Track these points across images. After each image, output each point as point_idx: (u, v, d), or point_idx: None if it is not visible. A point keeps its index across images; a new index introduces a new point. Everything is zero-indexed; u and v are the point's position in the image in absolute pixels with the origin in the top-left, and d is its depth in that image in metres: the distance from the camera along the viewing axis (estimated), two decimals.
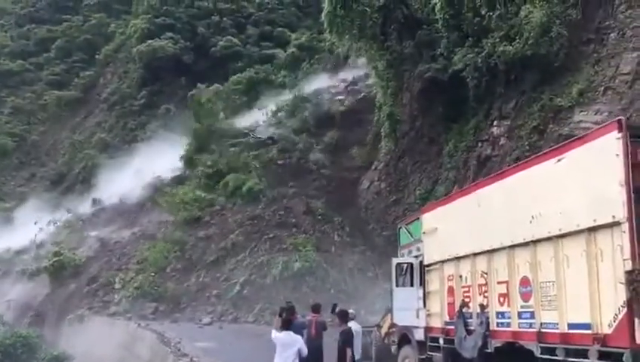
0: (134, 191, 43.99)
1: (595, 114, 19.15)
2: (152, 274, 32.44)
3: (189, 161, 42.14)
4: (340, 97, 43.32)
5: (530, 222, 7.25)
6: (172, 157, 43.43)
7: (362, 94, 40.92)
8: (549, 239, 7.00)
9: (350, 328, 10.56)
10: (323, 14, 29.01)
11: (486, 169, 22.59)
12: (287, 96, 45.81)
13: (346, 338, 10.12)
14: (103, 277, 34.75)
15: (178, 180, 41.96)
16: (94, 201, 46.32)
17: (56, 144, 62.44)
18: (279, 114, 43.16)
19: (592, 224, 6.29)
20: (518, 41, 21.10)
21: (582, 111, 19.67)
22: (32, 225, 44.21)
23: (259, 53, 56.14)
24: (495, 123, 23.41)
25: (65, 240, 40.61)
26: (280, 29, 59.01)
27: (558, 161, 6.87)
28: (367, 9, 27.39)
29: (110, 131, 57.70)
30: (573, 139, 7.19)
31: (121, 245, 38.05)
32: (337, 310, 10.77)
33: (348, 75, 45.25)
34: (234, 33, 58.37)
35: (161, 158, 43.10)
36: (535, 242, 7.27)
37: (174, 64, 56.16)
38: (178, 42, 56.90)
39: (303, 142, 38.51)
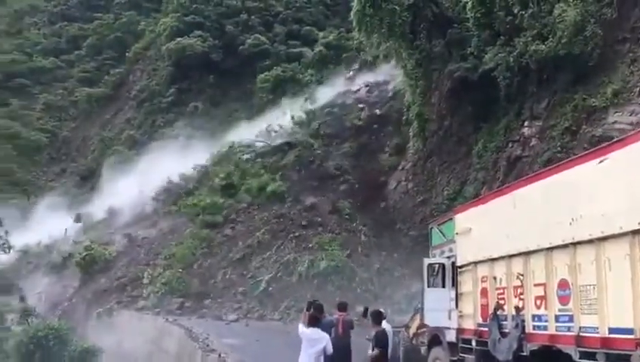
0: (160, 189, 44.48)
1: (630, 115, 18.79)
2: (180, 270, 32.77)
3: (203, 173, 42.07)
4: (363, 98, 43.27)
5: (570, 223, 7.10)
6: (195, 158, 43.82)
7: (388, 96, 40.76)
8: (590, 241, 6.86)
9: (384, 329, 10.48)
10: (352, 13, 28.97)
11: (516, 170, 22.34)
12: (313, 96, 45.92)
13: (381, 339, 10.01)
14: (131, 272, 35.22)
15: (194, 185, 42.00)
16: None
17: (86, 140, 63.48)
18: (298, 117, 43.04)
19: (636, 227, 6.13)
20: (551, 40, 20.77)
21: (616, 111, 19.31)
22: (62, 220, 45.05)
23: (286, 51, 56.27)
24: (526, 123, 23.10)
25: (95, 235, 41.23)
26: (308, 27, 59.06)
27: (601, 161, 6.73)
28: (396, 7, 27.24)
29: (139, 128, 58.42)
30: (616, 139, 7.02)
31: (149, 241, 38.52)
32: (370, 311, 10.65)
33: (372, 77, 45.14)
34: (262, 31, 58.61)
35: (185, 158, 43.47)
36: (575, 244, 7.13)
37: (203, 62, 56.59)
38: (207, 40, 57.32)
39: (323, 146, 38.34)
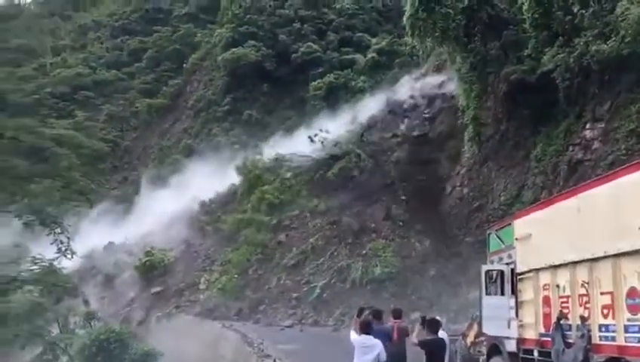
0: (213, 197, 45.30)
1: None
2: (235, 275, 33.28)
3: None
4: (417, 103, 42.80)
5: None
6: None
7: (443, 100, 40.16)
8: None
9: (442, 339, 10.21)
10: (404, 17, 28.72)
11: (577, 174, 21.59)
12: (366, 101, 45.76)
13: (438, 348, 9.76)
14: (188, 278, 36.00)
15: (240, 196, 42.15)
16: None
17: (146, 149, 65.44)
18: (347, 128, 42.84)
19: None
20: (613, 39, 20.03)
21: None
22: (124, 226, 46.49)
23: (339, 58, 56.35)
24: (588, 126, 22.30)
25: (154, 240, 42.39)
26: (360, 34, 59.04)
27: None
28: (450, 11, 26.87)
29: (196, 137, 59.76)
30: None
31: (206, 247, 39.29)
32: (427, 318, 10.38)
33: (426, 82, 44.62)
34: (314, 39, 58.96)
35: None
36: None
37: (256, 71, 57.42)
38: (260, 50, 58.13)
39: (376, 153, 37.96)
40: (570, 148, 22.89)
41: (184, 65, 70.47)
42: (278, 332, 25.79)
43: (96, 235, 44.47)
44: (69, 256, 18.50)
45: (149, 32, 77.86)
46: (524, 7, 24.29)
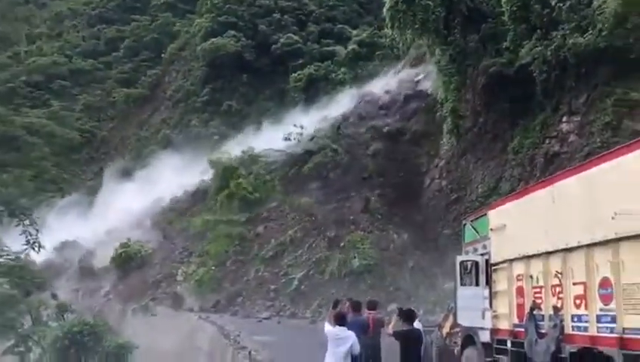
0: (191, 189, 44.87)
1: None
2: (213, 267, 33.06)
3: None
4: (395, 96, 42.75)
5: (613, 218, 6.67)
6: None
7: (421, 93, 40.19)
8: (635, 237, 6.42)
9: (418, 329, 10.13)
10: (384, 9, 28.64)
11: (554, 166, 21.71)
12: (345, 94, 45.61)
13: (413, 339, 9.67)
14: (165, 270, 35.67)
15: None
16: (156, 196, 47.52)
17: (124, 140, 64.67)
18: (323, 121, 42.59)
19: None
20: (590, 32, 20.16)
21: None
22: (100, 217, 45.91)
23: (319, 50, 56.17)
24: (564, 119, 22.45)
25: (130, 232, 41.92)
26: (340, 25, 58.88)
27: None
28: (429, 3, 26.88)
29: (174, 127, 59.20)
30: None
31: (183, 239, 38.92)
32: (402, 309, 10.28)
33: (405, 74, 44.59)
34: (295, 30, 58.68)
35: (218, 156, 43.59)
36: (618, 240, 6.70)
37: (236, 61, 56.99)
38: (240, 40, 57.70)
39: (356, 145, 37.82)
40: (547, 141, 23.03)
41: (162, 55, 69.70)
42: (255, 324, 25.66)
43: (70, 226, 43.89)
44: (36, 249, 18.08)
45: (126, 21, 76.81)
46: (503, 0, 24.35)
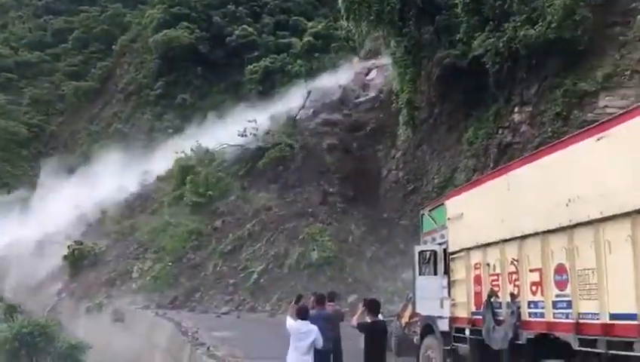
0: (144, 184, 43.97)
1: (622, 99, 18.63)
2: (170, 263, 32.57)
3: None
4: (353, 87, 42.91)
5: (567, 205, 6.78)
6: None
7: (378, 84, 40.43)
8: (588, 223, 6.53)
9: (383, 321, 10.03)
10: (340, 1, 28.53)
11: (507, 156, 22.10)
12: (301, 86, 45.39)
13: (378, 331, 9.51)
14: (121, 267, 34.91)
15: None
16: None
17: (73, 134, 62.85)
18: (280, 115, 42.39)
19: (638, 206, 5.81)
20: (540, 24, 20.53)
21: (607, 96, 19.17)
22: (49, 214, 44.50)
23: (275, 42, 55.73)
24: (516, 109, 22.88)
25: (84, 229, 40.86)
26: (296, 17, 58.54)
27: (599, 139, 6.40)
28: None
29: (127, 121, 57.87)
30: (617, 114, 6.68)
31: (139, 234, 38.13)
32: (367, 300, 10.08)
33: (361, 66, 44.73)
34: (249, 22, 58.04)
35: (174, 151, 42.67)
36: (572, 227, 6.82)
37: (190, 54, 56.03)
38: (194, 32, 56.71)
39: (312, 137, 37.73)
40: (500, 132, 23.42)
41: (113, 46, 67.91)
42: (214, 320, 25.34)
43: (16, 223, 42.46)
44: None
45: (74, 12, 74.45)
46: None
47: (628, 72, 18.79)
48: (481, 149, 24.41)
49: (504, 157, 22.28)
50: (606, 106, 18.90)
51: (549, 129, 20.30)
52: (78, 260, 36.91)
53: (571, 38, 19.87)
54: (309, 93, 41.09)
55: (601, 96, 19.31)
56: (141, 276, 32.98)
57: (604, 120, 6.92)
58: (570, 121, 19.79)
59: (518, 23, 21.36)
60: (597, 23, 19.90)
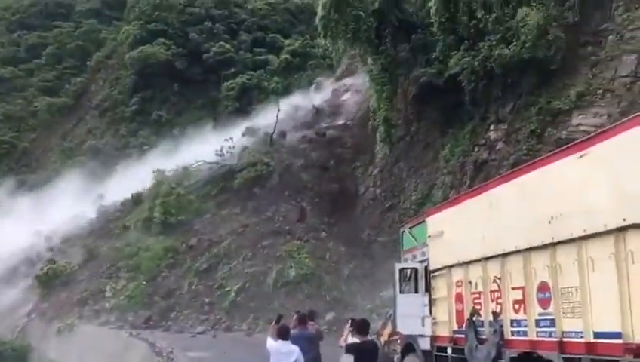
0: (118, 203, 43.24)
1: (594, 117, 18.97)
2: (144, 282, 32.00)
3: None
4: (332, 105, 43.05)
5: (549, 222, 6.77)
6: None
7: (356, 102, 40.63)
8: (571, 241, 6.52)
9: (373, 341, 9.57)
10: (317, 18, 28.72)
11: (483, 173, 22.31)
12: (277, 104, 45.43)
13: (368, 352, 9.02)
14: (93, 286, 34.17)
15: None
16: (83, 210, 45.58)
17: (46, 151, 61.74)
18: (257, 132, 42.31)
19: (621, 224, 5.81)
20: (515, 44, 20.91)
21: (580, 114, 19.48)
22: (21, 233, 43.43)
23: (252, 59, 55.82)
24: (492, 127, 23.15)
25: (56, 247, 39.99)
26: (273, 35, 58.77)
27: (581, 156, 6.42)
28: (361, 13, 27.14)
29: (101, 138, 57.14)
30: (598, 131, 6.72)
31: (112, 253, 37.39)
32: (355, 320, 9.60)
33: (338, 84, 44.97)
34: (227, 39, 58.06)
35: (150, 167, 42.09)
36: (555, 244, 6.80)
37: (166, 70, 55.73)
38: (170, 48, 56.50)
39: (290, 156, 37.67)
40: (476, 149, 23.65)
41: (88, 62, 67.17)
42: (189, 340, 24.89)
43: None
44: None
45: (48, 27, 73.43)
46: (432, 12, 24.92)
47: (600, 91, 19.14)
48: (458, 166, 24.59)
49: (480, 174, 22.49)
50: (579, 124, 19.21)
51: (524, 146, 20.57)
52: (50, 280, 36.03)
53: (545, 57, 20.29)
54: (278, 110, 41.03)
55: (575, 114, 19.62)
56: (114, 295, 32.32)
57: (586, 137, 6.96)
58: (544, 139, 20.09)
59: (493, 43, 21.72)
60: (570, 43, 20.33)
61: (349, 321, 9.77)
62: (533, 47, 20.30)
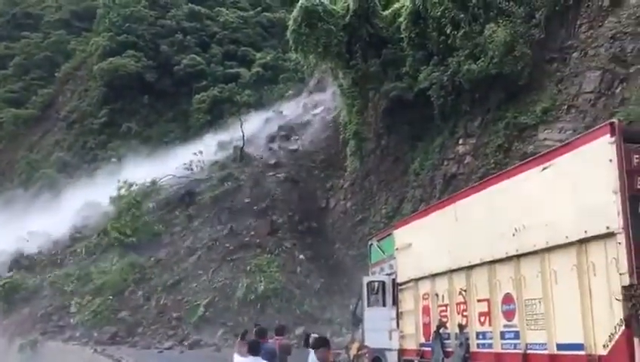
0: (87, 218, 42.35)
1: (560, 132, 19.28)
2: (110, 297, 31.29)
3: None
4: (302, 119, 43.12)
5: (514, 235, 6.81)
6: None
7: (327, 116, 40.74)
8: (534, 253, 6.56)
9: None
10: (288, 32, 28.78)
11: (452, 187, 22.51)
12: (250, 116, 45.32)
13: None
14: (57, 301, 33.28)
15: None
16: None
17: (12, 163, 60.32)
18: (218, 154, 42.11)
19: (582, 236, 5.84)
20: (482, 59, 21.23)
21: (546, 129, 19.81)
22: None
23: (223, 72, 55.61)
24: (461, 141, 23.42)
25: (18, 262, 38.89)
26: (244, 48, 58.72)
27: (544, 168, 6.43)
28: (332, 27, 27.30)
29: (69, 150, 56.07)
30: (560, 145, 6.77)
31: (78, 268, 36.52)
32: (316, 336, 9.43)
33: (309, 98, 45.06)
34: (198, 52, 57.79)
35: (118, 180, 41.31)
36: (519, 257, 6.83)
37: (137, 82, 55.13)
38: (140, 60, 55.93)
39: (260, 169, 37.51)
40: (445, 163, 23.89)
41: (56, 74, 66.02)
42: (156, 356, 24.43)
43: None
44: None
45: (16, 38, 72.08)
46: (402, 27, 25.22)
47: (565, 107, 19.50)
48: (428, 180, 24.79)
49: (450, 187, 22.68)
50: (545, 139, 19.52)
51: (492, 160, 20.83)
52: (9, 295, 34.95)
53: (512, 73, 20.64)
54: (241, 123, 40.91)
55: (540, 129, 19.95)
56: (79, 311, 31.49)
57: (549, 150, 7.00)
58: (511, 153, 20.39)
59: (462, 58, 22.03)
60: (536, 59, 20.72)
61: (239, 336, 9.43)
62: (500, 63, 20.65)
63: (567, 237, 6.07)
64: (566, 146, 6.40)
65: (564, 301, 6.19)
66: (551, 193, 6.41)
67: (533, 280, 6.65)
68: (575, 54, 20.12)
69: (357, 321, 13.79)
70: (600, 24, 20.01)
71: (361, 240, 27.72)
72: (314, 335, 9.73)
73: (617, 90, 18.26)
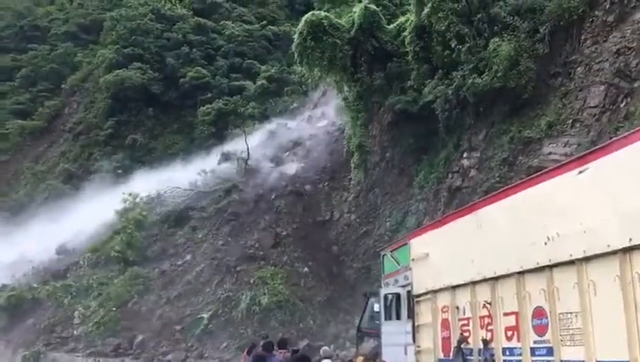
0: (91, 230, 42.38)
1: (564, 146, 19.31)
2: (113, 308, 31.21)
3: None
4: (306, 131, 43.25)
5: (546, 243, 6.38)
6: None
7: (332, 128, 40.87)
8: (570, 263, 6.08)
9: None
10: (293, 46, 28.97)
11: (457, 200, 22.52)
12: (255, 129, 45.44)
13: None
14: (60, 312, 33.23)
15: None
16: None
17: (18, 174, 60.41)
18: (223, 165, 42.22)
19: (626, 244, 5.41)
20: (487, 73, 21.28)
21: (551, 143, 19.81)
22: None
23: (228, 84, 55.83)
24: (465, 154, 23.43)
25: (23, 273, 38.87)
26: (249, 60, 59.00)
27: (581, 172, 5.99)
28: (337, 41, 27.47)
29: (75, 161, 56.17)
30: (599, 146, 6.35)
31: (82, 279, 36.46)
32: (297, 354, 9.28)
33: (313, 110, 45.22)
34: (203, 64, 58.06)
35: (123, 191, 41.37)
36: (552, 267, 6.38)
37: (142, 94, 55.36)
38: (146, 72, 56.20)
39: (257, 184, 37.59)
40: (450, 176, 23.89)
41: (62, 85, 66.36)
42: None
43: None
44: None
45: (23, 50, 72.58)
46: (407, 41, 25.39)
47: (570, 121, 19.53)
48: (432, 193, 24.79)
49: (454, 201, 22.68)
50: (550, 153, 19.54)
51: (497, 174, 20.82)
52: (13, 306, 34.90)
53: (516, 87, 20.67)
54: (245, 135, 41.07)
55: (545, 143, 19.96)
56: (83, 322, 31.44)
57: (585, 152, 6.54)
58: (516, 167, 20.38)
59: (466, 72, 22.11)
60: (540, 74, 20.78)
61: (246, 350, 9.31)
62: (504, 77, 20.69)
63: (608, 245, 5.64)
64: (605, 147, 5.96)
65: (605, 315, 5.76)
66: (589, 199, 5.96)
67: (569, 292, 6.18)
68: (579, 69, 20.20)
69: (362, 335, 13.69)
70: (604, 39, 20.14)
71: (365, 253, 27.74)
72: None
73: (622, 105, 18.32)
